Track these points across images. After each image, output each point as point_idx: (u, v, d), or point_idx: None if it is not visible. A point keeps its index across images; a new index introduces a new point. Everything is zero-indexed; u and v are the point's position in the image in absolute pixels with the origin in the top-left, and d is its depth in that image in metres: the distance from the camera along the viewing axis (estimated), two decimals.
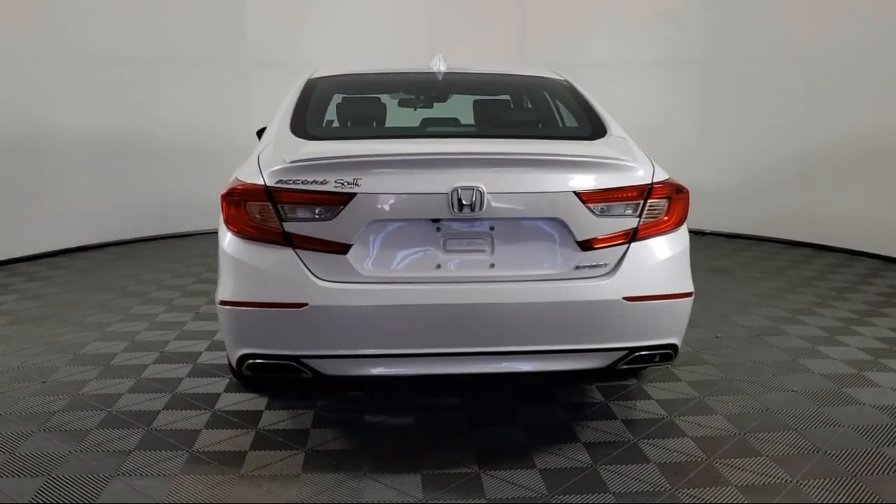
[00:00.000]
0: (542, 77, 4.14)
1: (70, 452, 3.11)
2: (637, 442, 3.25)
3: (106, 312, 5.28)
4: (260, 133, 4.43)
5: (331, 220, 2.87)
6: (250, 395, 3.72)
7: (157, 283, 6.17)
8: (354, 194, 2.84)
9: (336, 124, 3.83)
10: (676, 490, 2.84)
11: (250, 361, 2.98)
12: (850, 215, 7.36)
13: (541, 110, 3.98)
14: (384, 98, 4.09)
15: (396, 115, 4.12)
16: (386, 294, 2.88)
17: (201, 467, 3.00)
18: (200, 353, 4.38)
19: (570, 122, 3.71)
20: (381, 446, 3.23)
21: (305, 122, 3.44)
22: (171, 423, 3.42)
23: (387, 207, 2.88)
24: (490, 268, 2.96)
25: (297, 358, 2.93)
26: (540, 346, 2.96)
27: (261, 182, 2.90)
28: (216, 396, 3.72)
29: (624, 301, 2.94)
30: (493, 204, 2.87)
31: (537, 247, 2.98)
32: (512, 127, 3.78)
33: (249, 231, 2.94)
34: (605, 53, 8.56)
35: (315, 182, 2.84)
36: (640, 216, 3.01)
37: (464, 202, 2.84)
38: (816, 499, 2.78)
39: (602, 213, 2.96)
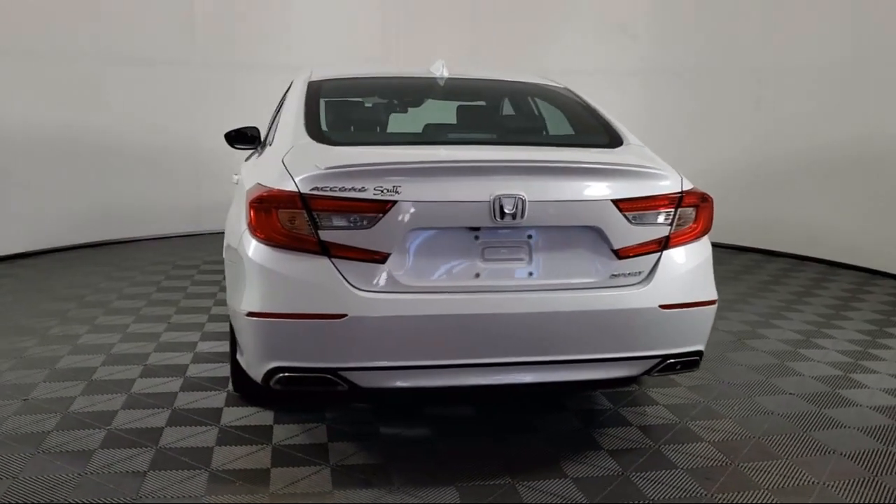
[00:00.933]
0: (544, 85, 4.14)
1: (79, 475, 2.91)
2: (659, 448, 3.28)
3: (70, 323, 4.99)
4: (229, 137, 4.16)
5: (369, 228, 2.78)
6: (254, 409, 3.58)
7: (117, 291, 5.88)
8: (395, 202, 2.76)
9: (351, 129, 3.71)
10: (712, 495, 2.88)
11: (281, 375, 2.85)
12: (797, 222, 7.66)
13: (549, 117, 3.97)
14: (388, 102, 4.01)
15: (398, 121, 4.05)
16: (427, 304, 2.81)
17: (227, 487, 2.86)
18: (187, 365, 4.18)
19: (581, 129, 3.71)
20: (405, 459, 3.15)
21: (321, 126, 3.33)
22: (180, 440, 3.25)
23: (427, 215, 2.81)
24: (529, 276, 2.92)
25: (333, 370, 2.82)
26: (579, 356, 2.94)
27: (293, 188, 2.79)
28: (219, 411, 3.56)
29: (659, 309, 2.96)
30: (533, 212, 2.84)
31: (574, 255, 2.96)
32: (528, 134, 3.75)
33: (280, 239, 2.82)
34: (553, 61, 8.63)
35: (353, 189, 2.75)
36: (671, 224, 3.03)
37: (506, 210, 2.79)
38: (847, 499, 2.86)
39: (636, 222, 2.97)
